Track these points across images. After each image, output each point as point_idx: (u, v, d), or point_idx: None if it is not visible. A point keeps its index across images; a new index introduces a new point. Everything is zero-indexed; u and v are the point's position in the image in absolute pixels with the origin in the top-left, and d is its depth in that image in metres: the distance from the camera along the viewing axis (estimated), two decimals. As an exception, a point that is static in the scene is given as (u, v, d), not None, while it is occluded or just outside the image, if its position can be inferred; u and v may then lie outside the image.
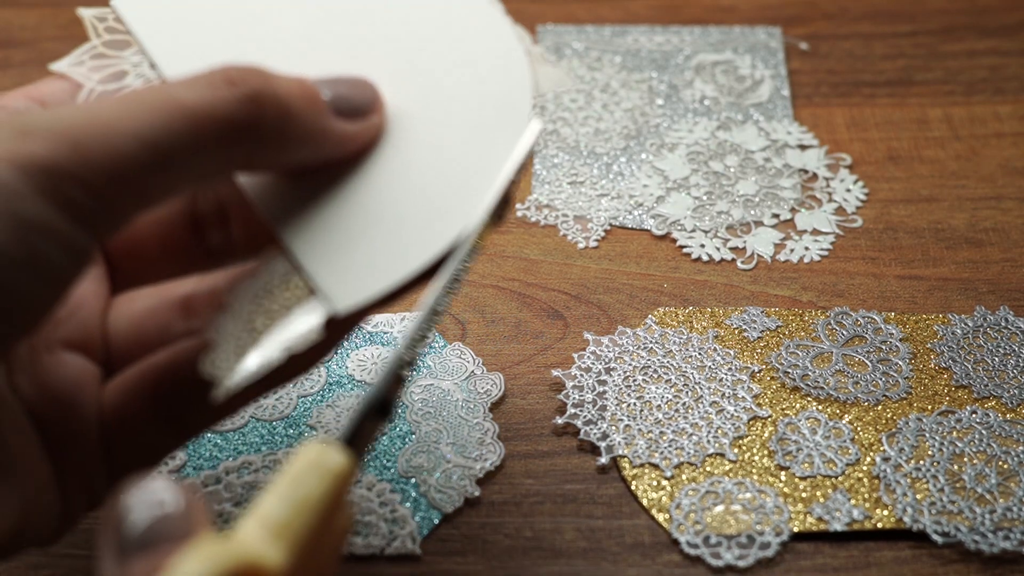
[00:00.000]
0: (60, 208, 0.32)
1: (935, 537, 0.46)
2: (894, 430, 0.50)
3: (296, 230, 0.37)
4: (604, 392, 0.51)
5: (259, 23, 0.40)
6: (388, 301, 0.37)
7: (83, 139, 0.32)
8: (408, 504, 0.48)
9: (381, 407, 0.35)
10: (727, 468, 0.49)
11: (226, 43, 0.39)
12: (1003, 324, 0.54)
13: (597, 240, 0.58)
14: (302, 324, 0.36)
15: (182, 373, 0.38)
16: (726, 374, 0.52)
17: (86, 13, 0.40)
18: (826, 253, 0.58)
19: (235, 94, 0.34)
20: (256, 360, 0.36)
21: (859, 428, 0.50)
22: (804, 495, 0.48)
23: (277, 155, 0.36)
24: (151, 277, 0.42)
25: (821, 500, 0.48)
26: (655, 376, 0.52)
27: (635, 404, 0.51)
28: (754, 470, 0.49)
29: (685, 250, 0.58)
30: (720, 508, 0.48)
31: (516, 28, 0.40)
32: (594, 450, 0.50)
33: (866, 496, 0.48)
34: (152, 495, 0.30)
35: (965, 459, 0.49)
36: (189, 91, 0.34)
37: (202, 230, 0.41)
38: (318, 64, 0.39)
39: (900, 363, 0.52)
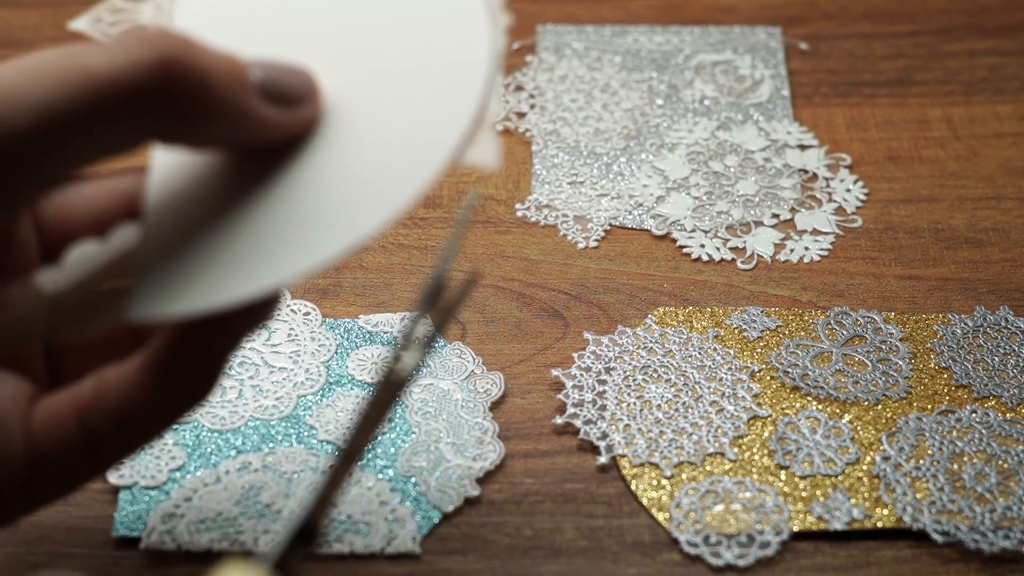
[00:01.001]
0: None
1: (935, 536, 0.46)
2: (894, 429, 0.50)
3: (162, 218, 0.35)
4: (604, 392, 0.51)
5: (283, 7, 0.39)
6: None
7: None
8: (408, 504, 0.48)
9: (307, 534, 0.35)
10: (727, 467, 0.49)
11: (243, 13, 0.38)
12: (1003, 324, 0.54)
13: (597, 240, 0.58)
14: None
15: (104, 405, 0.37)
16: (726, 374, 0.52)
17: None
18: (826, 253, 0.58)
19: (148, 58, 0.32)
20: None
21: (859, 427, 0.50)
22: (804, 494, 0.48)
23: (189, 129, 0.34)
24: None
25: (821, 499, 0.48)
26: (655, 376, 0.52)
27: (635, 404, 0.51)
28: (754, 469, 0.49)
29: (685, 250, 0.58)
30: (720, 507, 0.48)
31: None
32: (594, 449, 0.50)
33: (866, 495, 0.48)
34: None
35: (965, 458, 0.49)
36: (98, 55, 0.32)
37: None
38: (284, 51, 0.37)
39: (900, 363, 0.52)
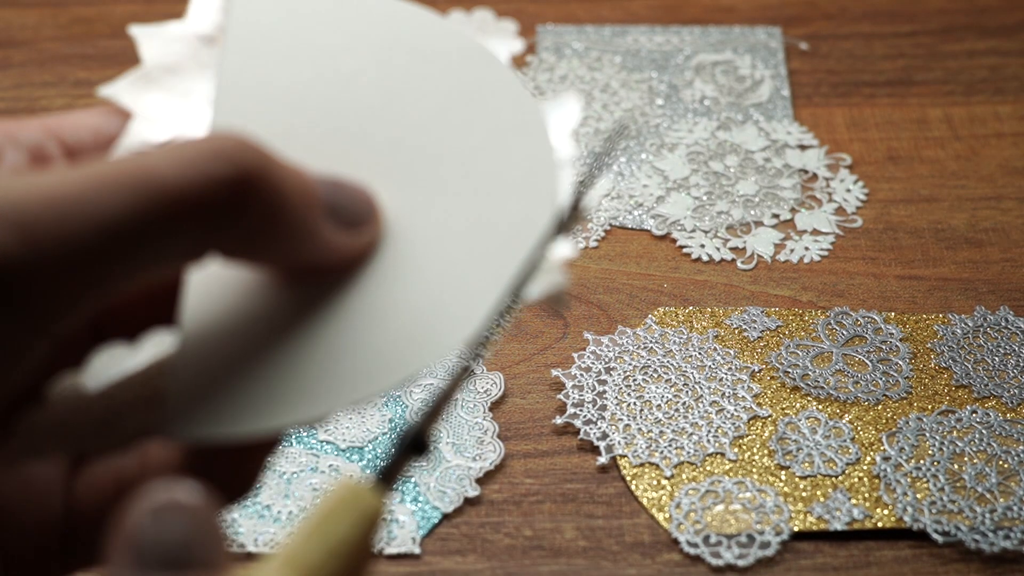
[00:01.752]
0: None
1: (935, 536, 0.46)
2: (894, 429, 0.50)
3: (199, 331, 0.33)
4: (604, 392, 0.51)
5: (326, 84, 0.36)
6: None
7: (34, 225, 0.29)
8: (408, 504, 0.48)
9: (418, 444, 0.33)
10: (727, 467, 0.49)
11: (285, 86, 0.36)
12: (1003, 324, 0.54)
13: (597, 240, 0.58)
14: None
15: (147, 479, 0.36)
16: (726, 374, 0.52)
17: (137, 31, 0.36)
18: (826, 253, 0.58)
19: (226, 174, 0.30)
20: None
21: (859, 427, 0.50)
22: (804, 494, 0.48)
23: (253, 247, 0.32)
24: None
25: (821, 499, 0.48)
26: (655, 376, 0.52)
27: (635, 404, 0.51)
28: (754, 469, 0.49)
29: (685, 250, 0.58)
30: (720, 507, 0.48)
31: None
32: (594, 449, 0.50)
33: (866, 495, 0.48)
34: (174, 512, 0.28)
35: (965, 458, 0.49)
36: (172, 167, 0.30)
37: None
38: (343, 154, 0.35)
39: (900, 363, 0.52)
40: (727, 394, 0.51)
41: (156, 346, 0.35)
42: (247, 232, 0.32)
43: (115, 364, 0.35)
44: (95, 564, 0.37)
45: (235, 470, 0.35)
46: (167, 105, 0.36)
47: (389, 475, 0.32)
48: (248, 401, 0.33)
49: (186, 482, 0.29)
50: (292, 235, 0.32)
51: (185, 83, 0.37)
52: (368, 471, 0.33)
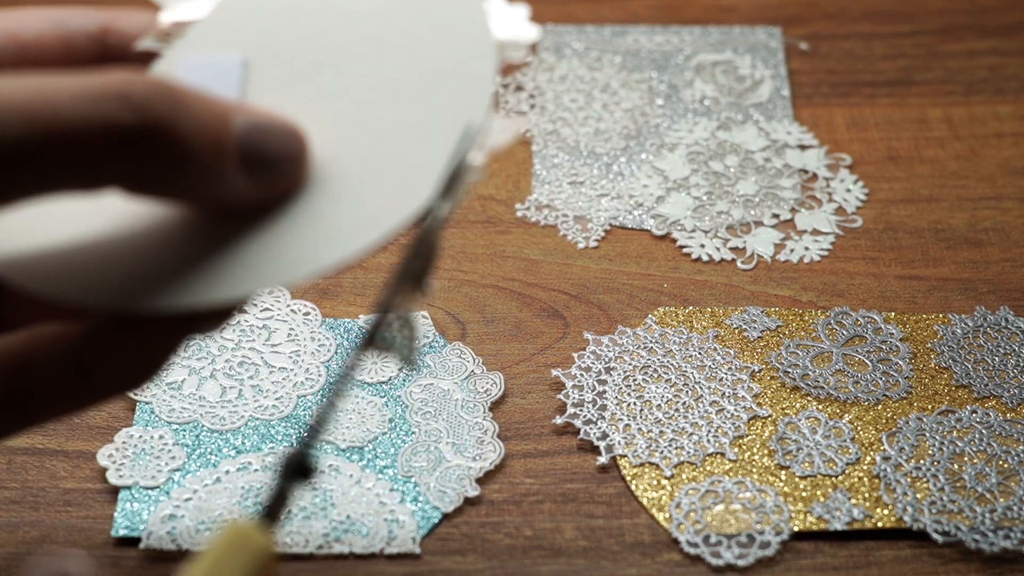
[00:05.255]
0: None
1: (935, 536, 0.46)
2: (894, 429, 0.50)
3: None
4: (604, 392, 0.51)
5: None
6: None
7: None
8: (408, 504, 0.48)
9: (302, 468, 0.33)
10: (727, 467, 0.49)
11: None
12: (1003, 324, 0.54)
13: (597, 240, 0.58)
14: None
15: (33, 366, 0.35)
16: (726, 374, 0.52)
17: None
18: (826, 253, 0.58)
19: (125, 119, 0.30)
20: None
21: (859, 427, 0.50)
22: (804, 494, 0.48)
23: (154, 189, 0.32)
24: None
25: (821, 499, 0.48)
26: (655, 376, 0.52)
27: (635, 403, 0.51)
28: (754, 469, 0.49)
29: (685, 250, 0.58)
30: (720, 507, 0.48)
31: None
32: (594, 449, 0.50)
33: (866, 495, 0.48)
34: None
35: (965, 458, 0.49)
36: (74, 100, 0.30)
37: None
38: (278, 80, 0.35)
39: (900, 363, 0.53)
40: (727, 394, 0.51)
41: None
42: (144, 175, 0.31)
43: None
44: None
45: (130, 364, 0.34)
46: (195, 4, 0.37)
47: (274, 508, 0.31)
48: (99, 271, 0.33)
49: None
50: (194, 182, 0.32)
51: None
52: (255, 511, 0.32)
